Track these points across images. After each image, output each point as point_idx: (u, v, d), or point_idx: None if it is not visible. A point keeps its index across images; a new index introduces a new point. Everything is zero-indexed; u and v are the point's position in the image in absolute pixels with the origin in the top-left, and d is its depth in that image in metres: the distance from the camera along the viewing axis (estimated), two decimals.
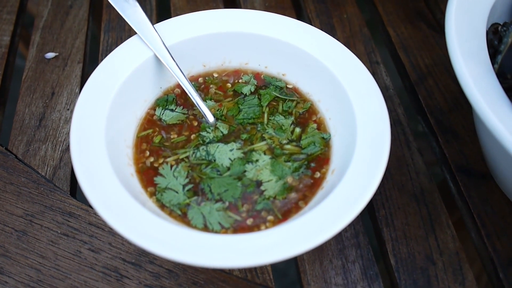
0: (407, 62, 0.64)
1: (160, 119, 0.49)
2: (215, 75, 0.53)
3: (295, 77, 0.52)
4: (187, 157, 0.46)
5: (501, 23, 0.47)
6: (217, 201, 0.43)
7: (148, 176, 0.45)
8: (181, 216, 0.42)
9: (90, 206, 0.51)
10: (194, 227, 0.42)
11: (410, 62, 0.64)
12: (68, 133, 0.57)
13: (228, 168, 0.45)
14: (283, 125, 0.48)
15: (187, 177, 0.45)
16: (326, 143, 0.47)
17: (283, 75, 0.52)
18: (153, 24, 0.50)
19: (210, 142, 0.47)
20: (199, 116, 0.49)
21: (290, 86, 0.52)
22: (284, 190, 0.44)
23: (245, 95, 0.51)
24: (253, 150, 0.46)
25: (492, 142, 0.46)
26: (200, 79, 0.52)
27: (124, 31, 0.68)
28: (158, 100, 0.50)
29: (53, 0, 0.72)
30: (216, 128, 0.48)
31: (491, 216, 0.50)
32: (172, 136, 0.48)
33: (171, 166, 0.45)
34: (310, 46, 0.50)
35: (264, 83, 0.52)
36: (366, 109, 0.45)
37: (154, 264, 0.47)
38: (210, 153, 0.46)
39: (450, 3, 0.46)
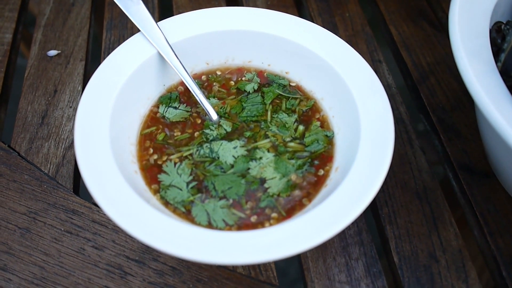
0: (409, 60, 0.64)
1: (163, 117, 0.49)
2: (218, 73, 0.53)
3: (298, 75, 0.52)
4: (191, 154, 0.46)
5: (504, 22, 0.47)
6: (221, 198, 0.43)
7: (152, 173, 0.45)
8: (185, 213, 0.43)
9: (94, 204, 0.51)
10: (198, 224, 0.42)
11: (412, 61, 0.64)
12: (71, 131, 0.57)
13: (232, 166, 0.45)
14: (287, 123, 0.48)
15: (191, 174, 0.45)
16: (329, 141, 0.47)
17: (286, 73, 0.52)
18: (155, 22, 0.50)
19: (213, 140, 0.47)
20: (203, 114, 0.49)
21: (293, 84, 0.52)
22: (288, 188, 0.44)
23: (248, 93, 0.51)
24: (256, 147, 0.47)
25: (495, 140, 0.46)
26: (203, 77, 0.52)
27: (127, 29, 0.68)
28: (162, 97, 0.50)
29: None
30: (220, 125, 0.48)
31: (494, 214, 0.50)
32: (175, 134, 0.48)
33: (175, 163, 0.45)
34: (313, 44, 0.50)
35: (267, 81, 0.52)
36: (370, 107, 0.45)
37: (158, 262, 0.47)
38: (214, 150, 0.46)
39: (453, 1, 0.46)
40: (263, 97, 0.50)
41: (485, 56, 0.43)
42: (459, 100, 0.59)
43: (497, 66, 0.44)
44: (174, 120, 0.49)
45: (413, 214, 0.50)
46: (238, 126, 0.48)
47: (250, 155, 0.46)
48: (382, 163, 0.41)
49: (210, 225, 0.42)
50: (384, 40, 0.70)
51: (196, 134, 0.48)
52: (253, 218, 0.43)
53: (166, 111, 0.49)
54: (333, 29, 0.67)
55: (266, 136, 0.47)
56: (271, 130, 0.48)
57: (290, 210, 0.43)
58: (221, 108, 0.50)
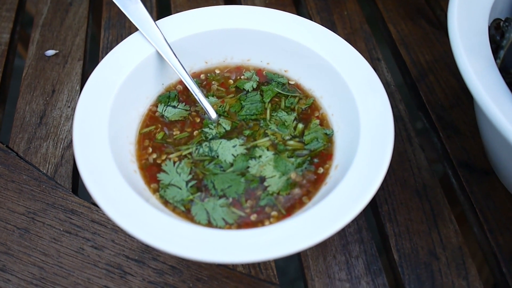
0: (407, 58, 0.64)
1: (162, 116, 0.49)
2: (217, 71, 0.52)
3: (297, 73, 0.51)
4: (190, 153, 0.46)
5: (503, 19, 0.47)
6: (220, 197, 0.43)
7: (151, 172, 0.45)
8: (185, 212, 0.42)
9: (93, 203, 0.51)
10: (198, 223, 0.42)
11: (411, 59, 0.64)
12: (69, 131, 0.56)
13: (231, 164, 0.45)
14: (286, 121, 0.48)
15: (190, 173, 0.45)
16: (329, 139, 0.47)
17: (285, 71, 0.52)
18: (154, 20, 0.50)
19: (213, 138, 0.47)
20: (202, 113, 0.49)
21: (292, 82, 0.51)
22: (287, 186, 0.44)
23: (247, 91, 0.51)
24: (256, 146, 0.46)
25: (495, 137, 0.46)
26: (202, 76, 0.52)
27: (125, 28, 0.67)
28: (160, 96, 0.50)
29: None
30: (219, 124, 0.48)
31: (494, 211, 0.50)
32: (174, 133, 0.48)
33: (174, 162, 0.45)
34: (312, 42, 0.50)
35: (266, 80, 0.52)
36: (369, 105, 0.45)
37: (158, 261, 0.46)
38: (213, 149, 0.46)
39: None
40: (262, 95, 0.50)
41: (484, 53, 0.43)
42: (458, 97, 0.59)
43: (496, 63, 0.44)
44: (173, 119, 0.48)
45: (413, 211, 0.50)
46: (237, 125, 0.48)
47: (250, 154, 0.46)
48: (382, 161, 0.41)
49: (209, 224, 0.42)
50: (383, 38, 0.70)
51: (195, 133, 0.48)
52: (253, 217, 0.42)
53: (165, 110, 0.49)
54: (332, 27, 0.67)
55: (266, 135, 0.47)
56: (270, 128, 0.48)
57: (290, 209, 0.43)
58: (220, 107, 0.49)
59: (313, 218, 0.38)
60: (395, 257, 0.47)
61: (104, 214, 0.50)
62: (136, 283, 0.45)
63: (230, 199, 0.43)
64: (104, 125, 0.43)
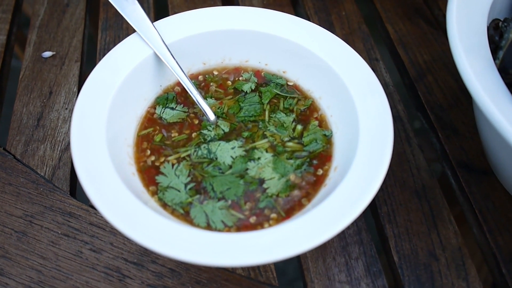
0: (406, 58, 0.64)
1: (160, 118, 0.48)
2: (215, 72, 0.52)
3: (295, 74, 0.51)
4: (189, 155, 0.46)
5: (502, 19, 0.47)
6: (219, 199, 0.43)
7: (149, 175, 0.45)
8: (184, 215, 0.42)
9: (91, 206, 0.50)
10: (197, 225, 0.41)
11: (409, 59, 0.64)
12: (66, 133, 0.56)
13: (230, 166, 0.45)
14: (285, 123, 0.48)
15: (188, 175, 0.44)
16: (328, 140, 0.47)
17: (283, 72, 0.52)
18: (151, 22, 0.50)
19: (211, 140, 0.47)
20: (200, 114, 0.49)
21: (290, 84, 0.51)
22: (286, 188, 0.44)
23: (246, 92, 0.50)
24: (255, 147, 0.46)
25: (494, 137, 0.46)
26: (200, 77, 0.52)
27: (122, 30, 0.67)
28: (158, 98, 0.50)
29: None
30: (217, 126, 0.48)
31: (493, 212, 0.50)
32: (173, 135, 0.47)
33: (173, 164, 0.45)
34: (311, 43, 0.49)
35: (265, 81, 0.52)
36: (368, 106, 0.45)
37: (157, 264, 0.46)
38: (212, 151, 0.46)
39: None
40: (260, 96, 0.50)
41: (483, 53, 0.43)
42: (457, 97, 0.59)
43: (495, 64, 0.44)
44: (171, 121, 0.48)
45: (412, 212, 0.50)
46: (236, 127, 0.48)
47: (249, 156, 0.46)
48: (382, 162, 0.40)
49: (209, 227, 0.41)
50: (381, 38, 0.70)
51: (193, 135, 0.47)
52: (252, 219, 0.42)
53: (163, 112, 0.49)
54: (330, 28, 0.67)
55: (264, 136, 0.47)
56: (269, 130, 0.48)
57: (289, 211, 0.43)
58: (218, 109, 0.49)
59: (313, 220, 0.38)
60: (395, 258, 0.47)
61: (102, 217, 0.49)
62: (135, 286, 0.45)
63: (229, 202, 0.43)
64: (102, 127, 0.43)
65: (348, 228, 0.49)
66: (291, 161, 0.45)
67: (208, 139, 0.47)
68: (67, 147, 0.55)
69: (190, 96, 0.49)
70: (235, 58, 0.52)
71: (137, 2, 0.51)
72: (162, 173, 0.44)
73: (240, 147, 0.46)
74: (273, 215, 0.42)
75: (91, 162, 0.40)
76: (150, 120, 0.48)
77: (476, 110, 0.50)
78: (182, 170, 0.45)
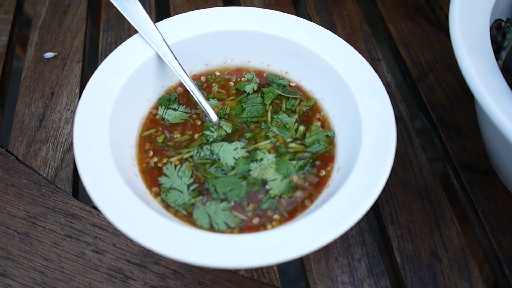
0: (408, 58, 0.64)
1: (163, 119, 0.48)
2: (217, 73, 0.52)
3: (298, 75, 0.51)
4: (191, 156, 0.46)
5: (504, 19, 0.47)
6: (222, 200, 0.43)
7: (152, 176, 0.45)
8: (187, 216, 0.42)
9: (93, 207, 0.50)
10: (200, 227, 0.41)
11: (411, 59, 0.64)
12: (69, 134, 0.56)
13: (233, 167, 0.45)
14: (287, 123, 0.48)
15: (191, 176, 0.44)
16: (330, 141, 0.47)
17: (285, 73, 0.52)
18: (153, 23, 0.49)
19: (214, 141, 0.47)
20: (202, 115, 0.49)
21: (293, 84, 0.51)
22: (289, 189, 0.44)
23: (248, 93, 0.50)
24: (257, 149, 0.46)
25: (496, 137, 0.46)
26: (202, 78, 0.52)
27: (123, 30, 0.67)
28: (161, 99, 0.50)
29: None
30: (220, 127, 0.48)
31: (495, 212, 0.50)
32: (175, 136, 0.47)
33: (175, 166, 0.45)
34: (313, 44, 0.49)
35: (267, 81, 0.52)
36: (370, 106, 0.44)
37: (160, 265, 0.46)
38: (214, 152, 0.46)
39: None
40: (263, 97, 0.50)
41: (485, 53, 0.42)
42: (459, 97, 0.59)
43: (498, 64, 0.44)
44: (173, 122, 0.48)
45: (415, 213, 0.50)
46: (238, 127, 0.48)
47: (251, 157, 0.46)
48: (384, 163, 0.40)
49: (211, 228, 0.41)
50: (383, 38, 0.70)
51: (196, 136, 0.47)
52: (255, 220, 0.42)
53: (165, 113, 0.49)
54: (331, 28, 0.67)
55: (267, 137, 0.47)
56: (271, 131, 0.48)
57: (292, 212, 0.43)
58: (220, 109, 0.49)
59: (316, 222, 0.38)
60: (398, 259, 0.47)
61: (105, 218, 0.49)
62: (138, 287, 0.45)
63: (232, 203, 0.43)
64: (104, 128, 0.43)
65: (350, 229, 0.49)
66: (294, 162, 0.45)
67: (211, 140, 0.47)
68: (69, 148, 0.55)
69: (192, 97, 0.49)
70: (237, 59, 0.52)
71: (139, 2, 0.51)
72: (165, 174, 0.44)
73: (243, 148, 0.46)
74: (276, 216, 0.42)
75: (94, 164, 0.40)
76: (152, 121, 0.48)
77: (478, 110, 0.49)
78: (184, 171, 0.45)
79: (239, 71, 0.52)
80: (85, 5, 0.71)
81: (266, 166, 0.45)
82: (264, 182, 0.44)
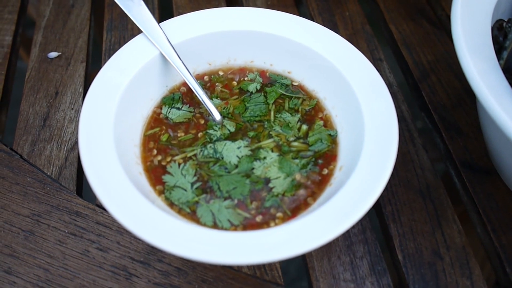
0: (409, 59, 0.64)
1: (166, 118, 0.49)
2: (221, 73, 0.53)
3: (300, 75, 0.52)
4: (195, 155, 0.46)
5: (506, 20, 0.48)
6: (225, 198, 0.43)
7: (156, 174, 0.45)
8: (190, 214, 0.43)
9: (97, 205, 0.51)
10: (204, 224, 0.42)
11: (413, 59, 0.64)
12: (73, 133, 0.56)
13: (236, 166, 0.45)
14: (290, 122, 0.49)
15: (195, 175, 0.45)
16: (333, 140, 0.47)
17: (288, 72, 0.52)
18: (157, 23, 0.50)
19: (217, 140, 0.47)
20: (206, 114, 0.49)
21: (295, 84, 0.52)
22: (292, 187, 0.44)
23: (251, 93, 0.51)
24: (260, 147, 0.47)
25: (497, 137, 0.46)
26: (206, 77, 0.52)
27: (127, 30, 0.67)
28: (164, 98, 0.50)
29: None
30: (223, 126, 0.48)
31: (496, 211, 0.50)
32: (179, 135, 0.48)
33: (179, 164, 0.45)
34: (315, 44, 0.50)
35: (270, 81, 0.52)
36: (373, 106, 0.45)
37: (163, 263, 0.47)
38: (218, 151, 0.46)
39: (455, 0, 0.46)
40: (266, 97, 0.50)
41: (487, 54, 0.43)
42: (460, 97, 0.60)
43: (500, 64, 0.44)
44: (177, 121, 0.49)
45: (417, 212, 0.50)
46: (241, 126, 0.48)
47: (254, 155, 0.46)
48: (387, 162, 0.41)
49: (215, 226, 0.42)
50: (384, 38, 0.70)
51: (199, 134, 0.48)
52: (258, 218, 0.43)
53: (169, 112, 0.49)
54: (333, 28, 0.67)
55: (270, 136, 0.48)
56: (274, 129, 0.48)
57: (295, 210, 0.43)
58: (224, 109, 0.50)
59: (318, 220, 0.39)
60: (399, 257, 0.47)
61: (109, 216, 0.50)
62: (141, 284, 0.45)
63: (236, 201, 0.43)
64: (109, 127, 0.44)
65: (353, 227, 0.49)
66: (297, 160, 0.46)
67: (214, 138, 0.47)
68: (74, 146, 0.55)
69: (196, 96, 0.49)
70: (240, 58, 0.53)
71: (143, 3, 0.52)
72: (169, 173, 0.45)
73: (246, 146, 0.46)
74: (279, 214, 0.43)
75: (99, 162, 0.41)
76: (156, 120, 0.49)
77: (480, 110, 0.50)
78: (188, 169, 0.45)
79: (242, 71, 0.53)
80: (88, 6, 0.71)
81: (269, 165, 0.45)
82: (267, 180, 0.45)
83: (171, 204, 0.43)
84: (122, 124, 0.45)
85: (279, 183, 0.44)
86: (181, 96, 0.50)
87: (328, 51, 0.49)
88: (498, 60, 0.44)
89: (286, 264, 0.49)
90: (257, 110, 0.49)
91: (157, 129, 0.48)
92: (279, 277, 0.46)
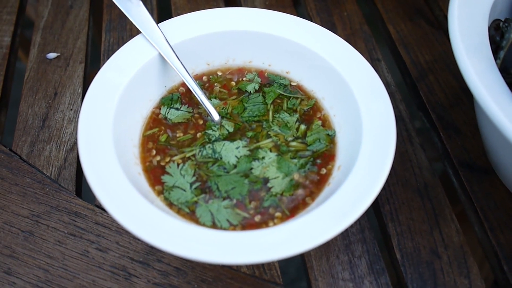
0: (407, 58, 0.65)
1: (165, 118, 0.49)
2: (219, 73, 0.53)
3: (299, 75, 0.52)
4: (194, 155, 0.46)
5: (503, 19, 0.48)
6: (224, 198, 0.44)
7: (155, 174, 0.45)
8: (190, 214, 0.43)
9: (97, 206, 0.51)
10: (203, 224, 0.42)
11: (411, 59, 0.65)
12: (72, 133, 0.57)
13: (235, 166, 0.45)
14: (288, 122, 0.49)
15: (194, 175, 0.45)
16: (331, 139, 0.48)
17: (287, 72, 0.52)
18: (156, 23, 0.50)
19: (216, 140, 0.47)
20: (204, 115, 0.50)
21: (294, 84, 0.52)
22: (291, 187, 0.44)
23: (250, 93, 0.51)
24: (259, 147, 0.47)
25: (495, 136, 0.47)
26: (204, 78, 0.52)
27: (126, 31, 0.68)
28: (163, 99, 0.50)
29: (53, 0, 0.72)
30: (222, 126, 0.48)
31: (494, 210, 0.50)
32: (178, 135, 0.48)
33: (178, 164, 0.46)
34: (313, 44, 0.50)
35: (268, 81, 0.52)
36: (371, 106, 0.45)
37: (162, 263, 0.47)
38: (216, 151, 0.46)
39: (452, 0, 0.47)
40: (264, 97, 0.51)
41: (484, 53, 0.43)
42: (458, 97, 0.60)
43: (497, 63, 0.44)
44: (176, 121, 0.49)
45: (415, 211, 0.50)
46: (240, 126, 0.48)
47: (253, 155, 0.46)
48: (385, 161, 0.41)
49: (214, 225, 0.42)
50: (382, 38, 0.70)
51: (198, 135, 0.48)
52: (257, 218, 0.43)
53: (168, 112, 0.49)
54: (332, 28, 0.68)
55: (268, 136, 0.48)
56: (273, 129, 0.48)
57: (293, 209, 0.43)
58: (222, 109, 0.50)
59: (317, 219, 0.39)
60: (398, 256, 0.47)
61: (108, 216, 0.50)
62: (141, 284, 0.46)
63: (234, 201, 0.44)
64: (108, 128, 0.44)
65: (351, 226, 0.49)
66: (295, 160, 0.46)
67: (213, 139, 0.47)
68: (73, 147, 0.55)
69: (194, 96, 0.49)
70: (239, 59, 0.53)
71: (141, 3, 0.52)
72: (168, 173, 0.45)
73: (245, 146, 0.47)
74: (278, 214, 0.43)
75: (98, 163, 0.41)
76: (155, 121, 0.49)
77: (477, 109, 0.50)
78: (187, 169, 0.45)
79: (240, 71, 0.53)
80: (87, 6, 0.71)
81: (267, 165, 0.45)
82: (266, 180, 0.45)
83: (170, 204, 0.43)
84: (121, 124, 0.45)
85: (278, 183, 0.44)
86: (180, 96, 0.51)
87: (326, 51, 0.49)
88: (495, 59, 0.45)
89: (285, 264, 0.49)
90: (256, 110, 0.50)
91: (156, 130, 0.48)
92: (278, 276, 0.47)
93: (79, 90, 0.61)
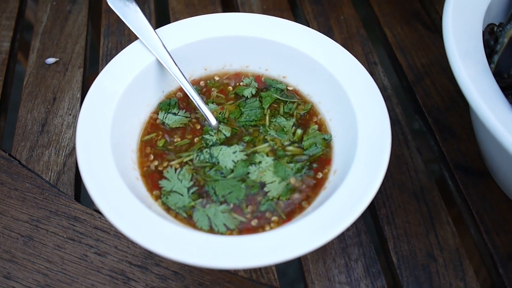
0: (404, 62, 0.65)
1: (163, 123, 0.49)
2: (216, 78, 0.53)
3: (295, 79, 0.52)
4: (191, 160, 0.47)
5: (497, 24, 0.48)
6: (221, 203, 0.44)
7: (153, 179, 0.46)
8: (187, 218, 0.43)
9: (95, 210, 0.51)
10: (200, 229, 0.42)
11: (407, 62, 0.65)
12: (71, 138, 0.57)
13: (232, 170, 0.46)
14: (285, 127, 0.49)
15: (191, 180, 0.45)
16: (327, 144, 0.48)
17: (283, 77, 0.53)
18: (153, 29, 0.51)
19: (213, 145, 0.48)
20: (202, 119, 0.50)
21: (290, 88, 0.52)
22: (287, 191, 0.45)
23: (247, 97, 0.51)
24: (256, 152, 0.47)
25: (490, 140, 0.47)
26: (202, 83, 0.53)
27: (124, 36, 0.68)
28: (161, 104, 0.51)
29: (52, 5, 0.72)
30: (219, 131, 0.49)
31: (490, 213, 0.51)
32: (175, 140, 0.48)
33: (176, 169, 0.46)
34: (310, 48, 0.50)
35: (265, 86, 0.53)
36: (366, 110, 0.45)
37: (160, 267, 0.47)
38: (214, 155, 0.47)
39: (446, 4, 0.47)
40: (261, 101, 0.51)
41: (478, 58, 0.43)
42: (454, 100, 0.60)
43: (490, 68, 0.45)
44: (173, 126, 0.49)
45: (411, 214, 0.51)
46: (237, 131, 0.49)
47: (250, 160, 0.47)
48: (380, 165, 0.41)
49: (211, 230, 0.42)
50: (379, 42, 0.71)
51: (195, 139, 0.48)
52: (254, 222, 0.43)
53: (165, 118, 0.50)
54: (329, 32, 0.68)
55: (265, 140, 0.48)
56: (269, 134, 0.49)
57: (290, 213, 0.44)
58: (220, 114, 0.50)
59: (313, 223, 0.39)
60: (394, 259, 0.48)
61: (107, 221, 0.50)
62: None
63: (231, 205, 0.44)
64: (106, 133, 0.44)
65: (347, 230, 0.50)
66: (292, 164, 0.46)
67: (210, 143, 0.48)
68: (72, 152, 0.56)
69: (192, 101, 0.50)
70: (236, 63, 0.53)
71: (139, 9, 0.52)
72: (165, 178, 0.45)
73: (242, 151, 0.47)
74: (274, 218, 0.43)
75: (96, 168, 0.41)
76: (153, 126, 0.49)
77: (472, 113, 0.50)
78: (184, 174, 0.46)
79: (237, 76, 0.53)
80: (85, 11, 0.72)
81: (264, 169, 0.46)
82: (263, 185, 0.45)
83: (167, 209, 0.44)
84: (119, 129, 0.46)
85: (274, 187, 0.45)
86: (177, 101, 0.51)
87: (322, 56, 0.50)
88: (489, 64, 0.45)
89: (283, 267, 0.49)
90: (253, 115, 0.50)
91: (153, 135, 0.49)
92: (275, 280, 0.47)
93: (78, 95, 0.61)
